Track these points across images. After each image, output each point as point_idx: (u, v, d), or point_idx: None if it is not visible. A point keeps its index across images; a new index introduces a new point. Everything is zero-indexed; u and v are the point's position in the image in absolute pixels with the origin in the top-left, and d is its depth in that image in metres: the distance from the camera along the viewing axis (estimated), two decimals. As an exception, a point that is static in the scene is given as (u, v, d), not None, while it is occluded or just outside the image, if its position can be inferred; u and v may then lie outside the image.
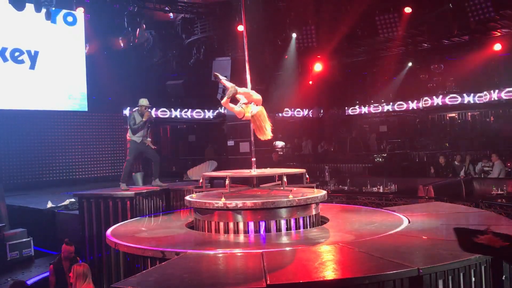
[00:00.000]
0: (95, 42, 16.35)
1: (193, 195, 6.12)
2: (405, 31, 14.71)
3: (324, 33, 15.43)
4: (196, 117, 20.83)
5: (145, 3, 14.49)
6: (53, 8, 12.24)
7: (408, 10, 13.86)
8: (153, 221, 6.54)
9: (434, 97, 19.58)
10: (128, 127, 8.35)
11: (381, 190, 12.42)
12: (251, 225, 5.32)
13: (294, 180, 6.60)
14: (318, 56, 17.37)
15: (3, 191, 10.07)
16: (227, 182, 5.78)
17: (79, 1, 13.65)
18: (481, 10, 12.83)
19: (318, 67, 17.84)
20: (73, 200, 9.78)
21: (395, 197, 10.67)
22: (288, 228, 5.40)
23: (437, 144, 18.54)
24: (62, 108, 15.58)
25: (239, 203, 5.30)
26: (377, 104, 22.02)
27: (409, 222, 5.53)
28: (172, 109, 19.58)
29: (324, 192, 5.89)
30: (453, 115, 20.73)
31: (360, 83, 21.80)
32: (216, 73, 6.53)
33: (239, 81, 6.46)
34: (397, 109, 21.47)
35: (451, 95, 19.24)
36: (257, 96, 6.19)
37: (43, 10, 12.13)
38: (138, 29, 15.55)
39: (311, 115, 22.47)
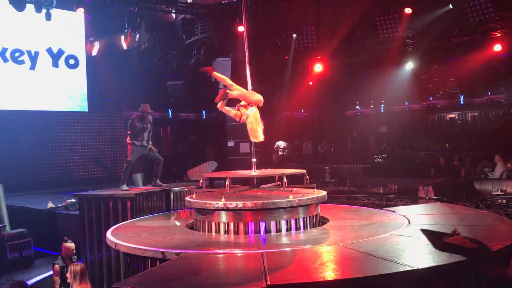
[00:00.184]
0: (95, 43, 16.36)
1: (193, 196, 6.13)
2: (405, 32, 14.72)
3: (324, 33, 15.43)
4: (196, 117, 20.84)
5: (146, 4, 14.49)
6: (53, 9, 12.24)
7: (408, 10, 13.86)
8: (153, 222, 6.54)
9: (434, 97, 19.60)
10: (129, 132, 8.37)
11: (381, 191, 12.41)
12: (251, 225, 5.32)
13: (294, 180, 6.60)
14: (318, 57, 17.37)
15: (3, 192, 10.08)
16: (227, 182, 5.79)
17: (79, 2, 13.66)
18: (481, 11, 12.83)
19: (318, 67, 17.84)
20: (73, 200, 9.78)
21: (395, 197, 10.68)
22: (288, 229, 5.41)
23: (437, 144, 18.54)
24: (62, 108, 15.59)
25: (239, 203, 5.30)
26: (377, 105, 22.03)
27: (409, 222, 5.53)
28: (173, 110, 19.59)
29: (324, 193, 5.89)
30: (453, 115, 20.74)
31: (360, 84, 21.80)
32: (211, 66, 6.55)
33: (240, 82, 6.47)
34: (397, 109, 21.49)
35: (451, 96, 19.25)
36: (256, 97, 6.20)
37: (43, 11, 12.13)
38: (138, 30, 15.56)
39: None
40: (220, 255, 4.47)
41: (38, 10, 11.92)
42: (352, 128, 21.75)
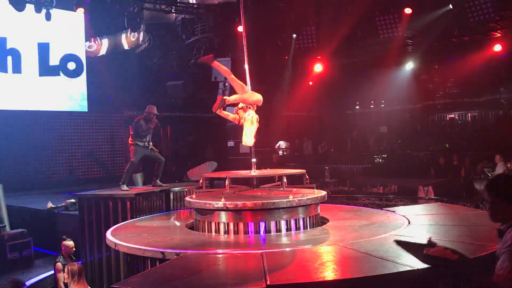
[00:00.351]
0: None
1: (193, 196, 6.13)
2: (405, 32, 14.72)
3: (324, 33, 15.44)
4: (196, 117, 20.82)
5: (145, 4, 14.48)
6: (53, 9, 12.24)
7: (408, 11, 13.86)
8: (153, 222, 6.54)
9: (434, 97, 19.58)
10: (132, 132, 8.40)
11: (381, 191, 12.42)
12: (251, 225, 5.32)
13: (294, 180, 6.60)
14: (318, 57, 17.37)
15: (3, 192, 10.08)
16: (227, 182, 5.79)
17: (79, 2, 13.64)
18: (481, 11, 12.84)
19: (318, 67, 17.84)
20: (73, 200, 9.78)
21: (395, 197, 10.69)
22: (288, 229, 5.41)
23: (437, 145, 18.54)
24: (62, 108, 15.58)
25: (239, 203, 5.30)
26: (377, 105, 22.02)
27: (409, 222, 5.53)
28: (172, 110, 19.56)
29: (324, 193, 5.89)
30: (453, 116, 20.72)
31: (360, 84, 21.78)
32: (211, 55, 6.56)
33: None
34: (397, 109, 21.47)
35: (451, 96, 19.24)
36: (255, 97, 6.23)
37: (43, 11, 12.13)
38: (138, 30, 15.57)
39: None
40: (220, 255, 4.47)
41: (38, 10, 11.92)
42: (352, 128, 21.74)
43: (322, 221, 5.95)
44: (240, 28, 13.64)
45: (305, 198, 5.50)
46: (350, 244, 4.50)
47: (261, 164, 6.86)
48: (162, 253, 4.48)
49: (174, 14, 16.16)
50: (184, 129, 20.45)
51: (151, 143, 8.56)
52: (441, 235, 4.78)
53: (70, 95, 15.62)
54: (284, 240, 5.13)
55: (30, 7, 11.90)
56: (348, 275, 3.59)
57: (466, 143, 17.55)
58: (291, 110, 20.76)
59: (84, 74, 15.86)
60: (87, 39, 15.95)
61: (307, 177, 6.33)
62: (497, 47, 15.68)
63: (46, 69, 14.87)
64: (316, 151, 20.11)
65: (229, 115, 6.19)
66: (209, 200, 5.53)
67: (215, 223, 5.47)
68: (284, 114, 19.73)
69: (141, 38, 17.21)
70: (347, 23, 14.43)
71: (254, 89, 6.45)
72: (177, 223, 6.46)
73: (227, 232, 5.38)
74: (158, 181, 8.49)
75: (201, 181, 6.35)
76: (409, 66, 18.74)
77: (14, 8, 11.59)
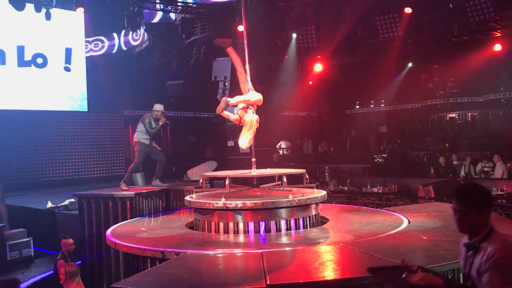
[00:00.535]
0: (95, 42, 16.35)
1: (193, 195, 6.14)
2: (405, 32, 14.71)
3: (324, 33, 15.42)
4: (196, 117, 20.83)
5: (145, 3, 14.48)
6: (53, 8, 12.22)
7: (408, 10, 13.85)
8: (153, 221, 6.55)
9: (434, 97, 19.57)
10: (139, 129, 8.43)
11: (381, 191, 12.42)
12: (251, 225, 5.32)
13: (294, 180, 6.61)
14: (318, 57, 17.35)
15: (3, 191, 10.07)
16: (227, 182, 5.79)
17: (79, 1, 13.63)
18: (481, 11, 12.82)
19: (318, 67, 17.83)
20: (73, 200, 9.78)
21: (395, 197, 10.68)
22: (288, 228, 5.41)
23: (437, 144, 18.54)
24: (62, 108, 15.58)
25: (239, 203, 5.30)
26: (377, 105, 22.02)
27: (409, 222, 5.53)
28: (172, 110, 19.54)
29: (324, 193, 5.89)
30: (453, 115, 20.72)
31: (360, 84, 21.78)
32: (230, 40, 6.53)
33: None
34: (397, 109, 21.48)
35: (451, 96, 19.23)
36: (256, 97, 6.24)
37: (43, 10, 12.12)
38: (138, 30, 15.56)
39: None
40: (220, 255, 4.47)
41: (38, 9, 11.90)
42: (352, 128, 21.75)
43: (322, 221, 5.96)
44: (240, 28, 13.68)
45: (305, 197, 5.50)
46: (350, 244, 4.51)
47: (261, 164, 6.86)
48: (162, 252, 4.48)
49: (174, 14, 16.15)
50: (184, 129, 20.44)
51: (154, 142, 8.62)
52: (440, 235, 4.78)
53: (70, 95, 15.63)
54: (284, 239, 5.13)
55: (29, 7, 11.88)
56: (348, 275, 3.59)
57: (466, 142, 17.56)
58: (291, 110, 20.78)
59: (84, 74, 15.87)
60: (88, 38, 15.96)
61: (307, 176, 6.33)
62: (497, 47, 15.68)
63: (46, 68, 14.90)
64: (316, 150, 20.12)
65: (230, 115, 6.20)
66: (209, 200, 5.53)
67: (215, 222, 5.47)
68: (284, 113, 19.73)
69: (140, 38, 17.20)
70: (347, 22, 14.42)
71: (254, 88, 6.45)
72: (177, 223, 6.46)
73: (227, 231, 5.38)
74: (157, 181, 8.50)
75: (201, 180, 6.36)
76: (409, 65, 18.74)
77: (13, 8, 11.57)
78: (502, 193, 10.90)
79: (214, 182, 8.45)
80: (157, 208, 7.87)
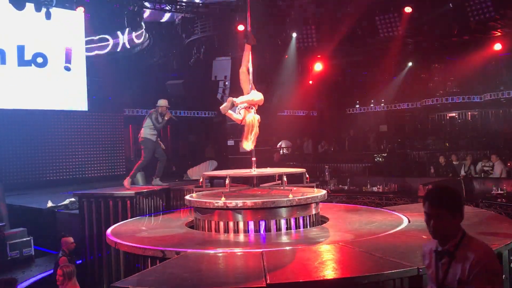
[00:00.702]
0: (95, 42, 16.34)
1: (193, 195, 6.14)
2: (405, 31, 14.72)
3: (324, 32, 15.44)
4: (196, 116, 20.83)
5: (145, 3, 14.48)
6: (53, 8, 12.22)
7: (408, 10, 13.86)
8: (153, 221, 6.55)
9: (434, 96, 19.57)
10: (146, 125, 8.48)
11: (381, 190, 12.43)
12: (251, 224, 5.33)
13: (294, 180, 6.61)
14: (318, 56, 17.37)
15: (3, 191, 10.08)
16: (227, 181, 5.79)
17: (79, 1, 13.63)
18: (481, 10, 12.84)
19: (318, 66, 17.84)
20: (73, 199, 9.78)
21: (395, 196, 10.69)
22: (288, 228, 5.41)
23: (437, 144, 18.54)
24: (62, 107, 15.57)
25: (239, 202, 5.30)
26: (377, 104, 22.01)
27: (409, 221, 5.54)
28: (172, 109, 19.54)
29: (324, 192, 5.90)
30: (453, 114, 20.72)
31: (360, 83, 21.80)
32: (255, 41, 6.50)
33: (239, 81, 6.48)
34: (397, 109, 21.48)
35: (451, 95, 19.23)
36: (259, 97, 6.26)
37: (43, 10, 12.12)
38: (138, 29, 15.55)
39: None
40: (220, 254, 4.47)
41: (38, 9, 11.90)
42: (352, 127, 21.76)
43: (322, 220, 5.96)
44: (240, 27, 13.69)
45: (305, 197, 5.50)
46: (350, 243, 4.51)
47: (262, 163, 6.86)
48: (163, 252, 4.49)
49: (173, 14, 16.15)
50: (184, 128, 20.45)
51: (159, 139, 8.68)
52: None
53: (70, 95, 15.62)
54: (284, 239, 5.13)
55: (29, 6, 11.88)
56: (348, 274, 3.59)
57: (466, 142, 17.55)
58: (291, 109, 20.78)
59: (84, 73, 15.87)
60: (87, 38, 15.94)
61: (307, 176, 6.33)
62: (497, 46, 15.69)
63: (46, 67, 14.90)
64: (316, 150, 20.12)
65: (233, 115, 6.20)
66: (209, 199, 5.53)
67: (215, 222, 5.47)
68: (284, 113, 19.74)
69: (141, 38, 17.19)
70: (347, 22, 14.44)
71: (254, 88, 6.45)
72: (177, 222, 6.47)
73: (227, 231, 5.39)
74: (158, 180, 8.50)
75: (201, 180, 6.36)
76: (409, 65, 18.73)
77: (14, 7, 11.57)
78: (502, 192, 10.91)
79: (214, 182, 8.46)
80: (157, 207, 7.88)
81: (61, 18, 14.67)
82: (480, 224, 5.21)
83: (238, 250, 4.62)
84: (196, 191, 6.30)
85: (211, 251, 4.56)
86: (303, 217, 5.52)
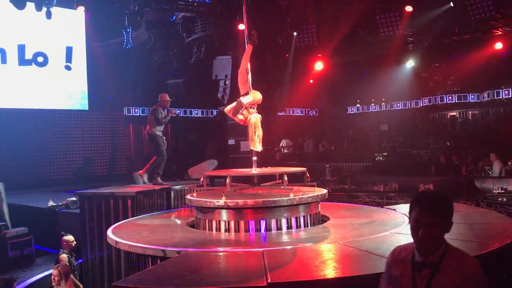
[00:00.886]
0: (95, 41, 16.34)
1: (194, 194, 6.14)
2: (406, 30, 14.70)
3: (324, 31, 15.43)
4: (196, 116, 20.85)
5: (146, 2, 14.46)
6: (54, 7, 12.22)
7: (409, 8, 13.84)
8: (154, 220, 6.54)
9: (435, 95, 19.57)
10: (151, 121, 8.52)
11: (381, 189, 12.42)
12: (252, 223, 5.32)
13: (295, 179, 6.61)
14: (319, 55, 17.36)
15: (4, 190, 10.08)
16: (228, 180, 5.79)
17: (80, 0, 13.63)
18: (482, 9, 12.81)
19: (319, 65, 17.83)
20: (74, 199, 9.78)
21: (396, 195, 10.70)
22: (289, 227, 5.41)
23: (438, 143, 18.53)
24: (63, 107, 15.60)
25: (240, 201, 5.30)
26: (378, 103, 22.01)
27: (409, 221, 5.52)
28: (173, 108, 19.55)
29: (324, 191, 5.89)
30: (454, 114, 20.70)
31: (361, 82, 21.79)
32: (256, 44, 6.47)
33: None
34: (398, 107, 21.47)
35: (452, 94, 19.22)
36: (259, 96, 6.28)
37: (44, 9, 12.12)
38: (138, 29, 15.54)
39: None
40: (221, 253, 4.47)
41: (39, 8, 11.90)
42: (353, 126, 21.76)
43: (323, 219, 5.96)
44: (241, 26, 13.67)
45: (305, 196, 5.49)
46: (351, 242, 4.50)
47: (262, 162, 6.86)
48: (163, 251, 4.48)
49: (174, 13, 16.14)
50: (184, 127, 20.46)
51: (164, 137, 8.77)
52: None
53: (70, 94, 15.64)
54: (285, 238, 5.13)
55: (30, 5, 11.88)
56: (349, 273, 3.59)
57: (467, 141, 17.55)
58: (292, 108, 20.79)
59: (84, 73, 15.88)
60: (88, 37, 15.94)
61: (307, 175, 6.33)
62: (498, 45, 15.68)
63: (46, 67, 14.91)
64: (317, 149, 20.13)
65: (237, 115, 6.20)
66: (210, 198, 5.53)
67: (216, 221, 5.47)
68: (285, 112, 19.74)
69: (141, 37, 17.17)
70: (347, 21, 14.42)
71: (255, 87, 6.45)
72: (178, 221, 6.46)
73: (228, 230, 5.38)
74: (159, 179, 8.51)
75: (202, 179, 6.36)
76: (410, 64, 18.73)
77: (14, 7, 11.57)
78: (503, 191, 10.91)
79: (215, 181, 8.47)
80: (158, 206, 7.88)
81: (62, 17, 14.68)
82: (481, 223, 5.21)
83: (238, 250, 4.62)
84: (196, 190, 6.30)
85: (212, 250, 4.56)
86: (304, 216, 5.52)
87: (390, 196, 10.66)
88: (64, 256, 6.73)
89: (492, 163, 12.91)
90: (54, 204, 10.25)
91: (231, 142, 15.67)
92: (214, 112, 20.36)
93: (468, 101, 19.02)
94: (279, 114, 18.53)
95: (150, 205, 7.73)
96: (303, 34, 15.76)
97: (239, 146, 15.27)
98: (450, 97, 19.17)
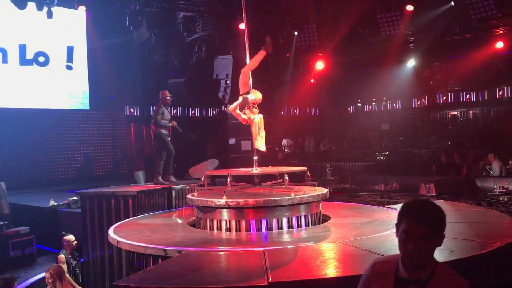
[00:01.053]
0: (96, 40, 16.35)
1: (195, 193, 6.14)
2: (406, 29, 14.69)
3: (325, 31, 15.41)
4: (197, 115, 20.86)
5: (147, 2, 14.46)
6: (55, 7, 12.23)
7: (409, 8, 13.82)
8: (155, 219, 6.55)
9: (436, 95, 19.57)
10: (156, 121, 8.54)
11: (382, 188, 12.42)
12: (253, 223, 5.33)
13: (295, 178, 6.61)
14: (320, 54, 17.34)
15: (5, 189, 10.11)
16: (228, 180, 5.79)
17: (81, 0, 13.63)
18: (483, 8, 12.79)
19: (319, 65, 17.82)
20: (75, 198, 9.80)
21: (397, 195, 10.68)
22: (290, 226, 5.41)
23: (439, 142, 18.52)
24: (64, 106, 15.61)
25: (241, 201, 5.31)
26: (378, 102, 22.01)
27: (410, 220, 5.52)
28: (174, 108, 19.57)
29: (325, 190, 5.90)
30: (455, 113, 20.71)
31: (361, 81, 21.78)
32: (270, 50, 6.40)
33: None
34: (398, 107, 21.46)
35: (453, 93, 19.22)
36: (260, 96, 6.29)
37: (45, 9, 12.12)
38: (139, 28, 15.52)
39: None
40: (222, 253, 4.48)
41: (40, 8, 11.91)
42: (354, 126, 21.77)
43: (324, 219, 5.96)
44: (242, 26, 13.66)
45: (306, 195, 5.50)
46: (352, 242, 4.50)
47: (263, 162, 6.87)
48: (164, 250, 4.49)
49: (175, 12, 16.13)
50: (185, 127, 20.47)
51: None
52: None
53: (71, 93, 15.65)
54: (286, 237, 5.14)
55: (31, 5, 11.89)
56: (350, 273, 3.59)
57: (467, 140, 17.55)
58: (292, 108, 20.79)
59: (85, 72, 15.89)
60: (89, 37, 15.95)
61: (308, 174, 6.33)
62: (499, 44, 15.66)
63: (47, 66, 14.92)
64: (317, 148, 20.13)
65: (240, 114, 6.19)
66: (211, 198, 5.54)
67: (217, 220, 5.48)
68: (285, 112, 19.74)
69: (142, 36, 17.17)
70: (348, 20, 14.40)
71: (255, 87, 6.45)
72: (179, 221, 6.48)
73: (229, 229, 5.39)
74: (160, 179, 8.52)
75: (202, 178, 6.37)
76: (411, 63, 18.72)
77: (15, 6, 11.58)
78: (503, 190, 10.91)
79: (216, 180, 8.48)
80: (159, 206, 7.88)
81: (63, 17, 14.69)
82: (481, 223, 5.21)
83: (240, 249, 4.62)
84: (197, 190, 6.31)
85: (213, 250, 4.56)
86: (305, 215, 5.52)
87: (391, 196, 10.63)
88: (61, 257, 6.73)
89: (491, 163, 12.90)
90: (55, 204, 10.27)
91: (231, 141, 15.67)
92: (215, 112, 20.37)
93: (469, 100, 19.02)
94: (280, 113, 18.54)
95: (151, 205, 7.74)
96: (303, 34, 15.74)
97: (239, 146, 15.27)
98: (451, 96, 19.16)
